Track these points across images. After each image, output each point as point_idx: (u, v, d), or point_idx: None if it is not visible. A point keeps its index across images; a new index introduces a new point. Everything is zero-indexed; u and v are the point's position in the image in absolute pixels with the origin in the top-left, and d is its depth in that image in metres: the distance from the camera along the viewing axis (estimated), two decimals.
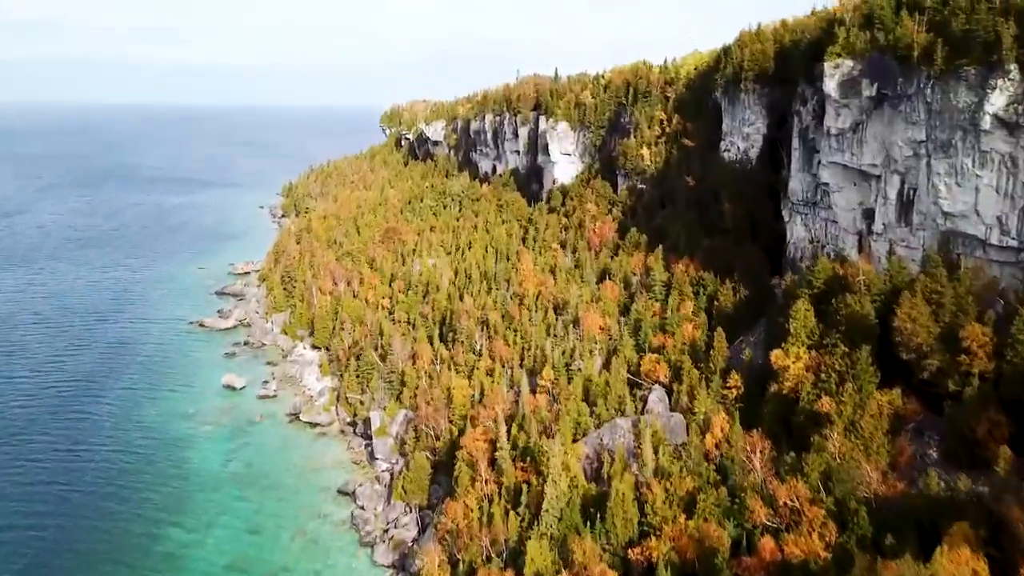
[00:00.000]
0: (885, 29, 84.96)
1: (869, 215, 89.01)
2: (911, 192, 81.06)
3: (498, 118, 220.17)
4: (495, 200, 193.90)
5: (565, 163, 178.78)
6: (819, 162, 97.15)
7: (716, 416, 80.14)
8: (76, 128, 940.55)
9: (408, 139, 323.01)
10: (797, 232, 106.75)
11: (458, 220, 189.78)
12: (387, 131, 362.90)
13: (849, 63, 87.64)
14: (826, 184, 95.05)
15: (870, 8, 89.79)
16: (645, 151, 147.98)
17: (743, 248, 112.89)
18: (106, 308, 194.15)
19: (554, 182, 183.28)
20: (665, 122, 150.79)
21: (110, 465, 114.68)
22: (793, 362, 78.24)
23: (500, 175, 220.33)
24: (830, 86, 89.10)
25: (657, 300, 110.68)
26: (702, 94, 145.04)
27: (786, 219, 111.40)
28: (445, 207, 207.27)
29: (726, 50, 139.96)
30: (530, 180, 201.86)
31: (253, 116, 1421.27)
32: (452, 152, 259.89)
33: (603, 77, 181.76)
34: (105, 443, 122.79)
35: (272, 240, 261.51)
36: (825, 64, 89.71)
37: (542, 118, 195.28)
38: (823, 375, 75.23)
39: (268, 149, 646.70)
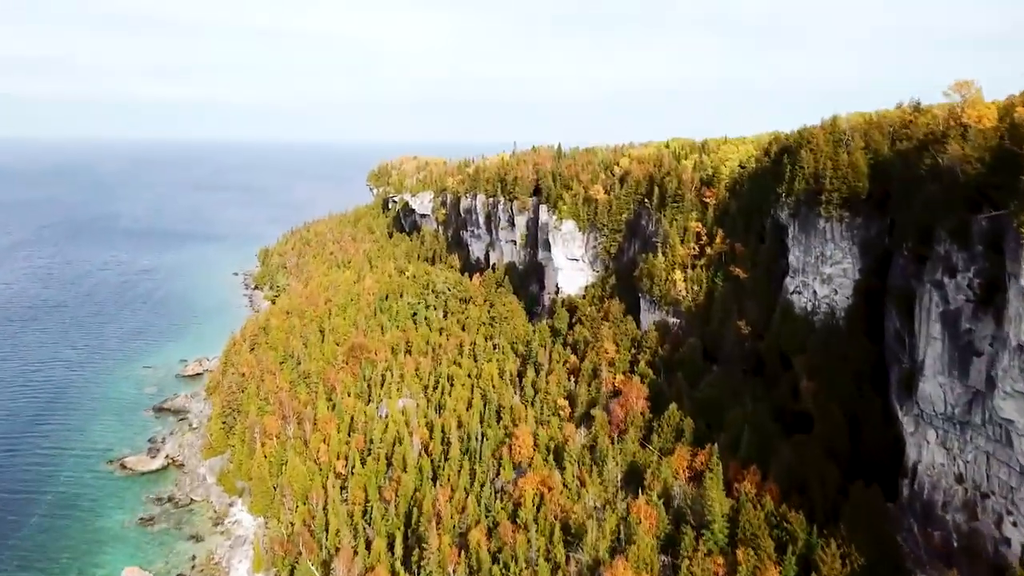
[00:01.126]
0: None
1: None
2: None
3: (491, 200, 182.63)
4: (486, 306, 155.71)
5: (571, 270, 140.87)
6: (988, 378, 59.24)
7: None
8: (70, 169, 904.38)
9: (395, 202, 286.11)
10: (931, 456, 68.45)
11: (441, 332, 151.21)
12: (374, 190, 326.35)
13: None
14: (1008, 420, 57.21)
15: None
16: (678, 275, 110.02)
17: (843, 468, 74.47)
18: (20, 431, 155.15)
19: (558, 290, 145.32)
20: (703, 237, 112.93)
21: None
22: None
23: (493, 265, 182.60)
24: None
25: (717, 545, 72.01)
26: (752, 203, 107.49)
27: (907, 428, 72.91)
28: (428, 307, 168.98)
29: (788, 150, 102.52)
30: (528, 279, 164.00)
31: (253, 155, 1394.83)
32: (441, 228, 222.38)
33: (618, 165, 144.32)
34: None
35: (237, 322, 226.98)
36: None
37: (543, 207, 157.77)
38: None
39: (260, 196, 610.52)
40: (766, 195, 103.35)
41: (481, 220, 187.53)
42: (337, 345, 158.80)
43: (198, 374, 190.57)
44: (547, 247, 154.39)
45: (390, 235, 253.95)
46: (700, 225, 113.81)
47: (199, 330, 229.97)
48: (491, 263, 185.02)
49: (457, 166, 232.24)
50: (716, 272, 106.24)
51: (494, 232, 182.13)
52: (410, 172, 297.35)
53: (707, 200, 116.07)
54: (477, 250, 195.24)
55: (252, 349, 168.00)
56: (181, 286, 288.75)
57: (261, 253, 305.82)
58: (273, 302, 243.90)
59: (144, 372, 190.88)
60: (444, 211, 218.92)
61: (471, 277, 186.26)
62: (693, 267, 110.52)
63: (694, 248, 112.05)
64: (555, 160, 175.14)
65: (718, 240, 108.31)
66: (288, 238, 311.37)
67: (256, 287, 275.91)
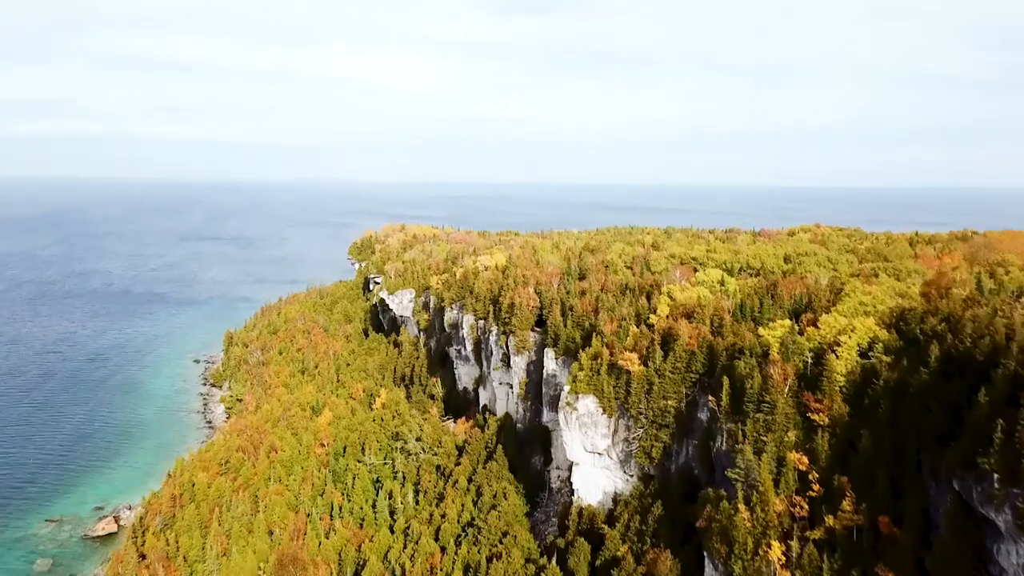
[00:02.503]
0: None
1: None
2: None
3: (482, 323, 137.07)
4: (472, 492, 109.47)
5: (592, 467, 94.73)
6: None
7: None
8: (61, 214, 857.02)
9: (376, 283, 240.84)
10: None
11: (406, 539, 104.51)
12: (356, 265, 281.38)
13: None
14: None
15: None
16: (775, 550, 64.19)
17: None
18: None
19: (572, 489, 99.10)
20: (814, 483, 67.27)
21: None
22: None
23: (484, 408, 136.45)
24: None
25: None
26: (905, 440, 62.21)
27: None
28: (395, 475, 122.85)
29: (972, 368, 57.49)
30: (530, 445, 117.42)
31: (253, 196, 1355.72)
32: (422, 336, 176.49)
33: (655, 313, 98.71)
34: None
35: (182, 440, 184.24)
36: None
37: (549, 352, 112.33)
38: None
39: (251, 248, 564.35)
40: (932, 437, 58.01)
41: (468, 346, 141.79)
42: (270, 534, 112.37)
43: (111, 534, 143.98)
44: (553, 406, 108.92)
45: (366, 333, 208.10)
46: (805, 459, 68.09)
47: (134, 452, 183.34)
48: (481, 403, 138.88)
49: (445, 258, 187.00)
50: (848, 566, 60.14)
51: (485, 365, 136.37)
52: (394, 249, 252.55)
53: (813, 415, 70.39)
54: (465, 377, 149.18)
55: (165, 527, 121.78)
56: (133, 377, 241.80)
57: (226, 338, 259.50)
58: (228, 414, 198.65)
59: (43, 532, 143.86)
60: (427, 316, 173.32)
61: (456, 417, 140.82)
62: (802, 538, 64.62)
63: (801, 504, 66.15)
64: (564, 277, 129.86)
65: (846, 505, 62.25)
66: (257, 320, 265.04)
67: (213, 384, 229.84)
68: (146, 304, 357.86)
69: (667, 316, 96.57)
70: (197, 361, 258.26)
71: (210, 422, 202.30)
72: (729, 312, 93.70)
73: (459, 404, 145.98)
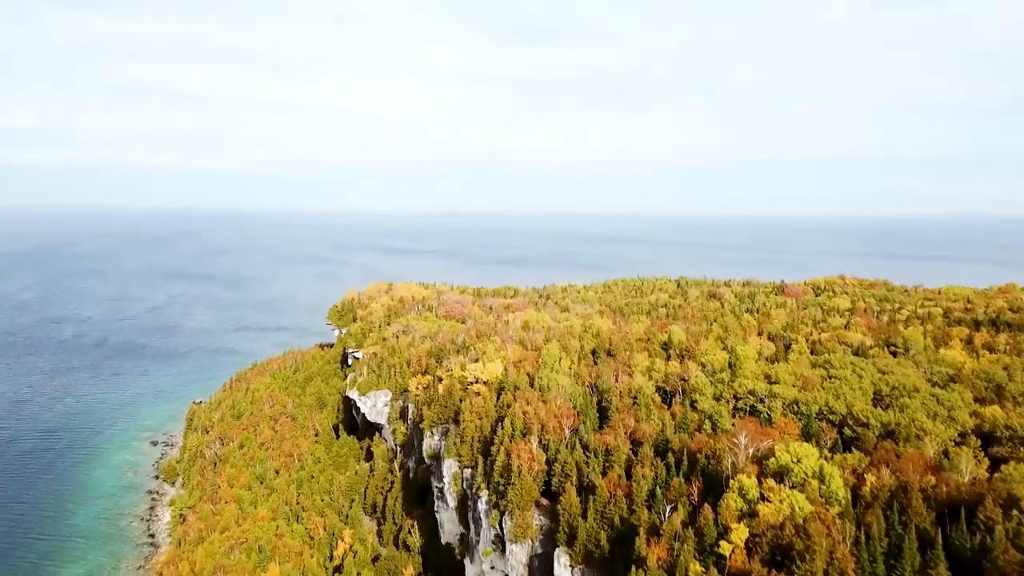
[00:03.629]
0: None
1: None
2: None
3: (468, 473, 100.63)
4: None
5: None
6: None
7: None
8: (51, 247, 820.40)
9: (356, 359, 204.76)
10: None
11: None
12: (336, 331, 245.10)
13: None
14: None
15: None
16: None
17: None
18: None
19: None
20: None
21: None
22: None
23: None
24: None
25: None
26: None
27: None
28: None
29: None
30: None
31: (249, 228, 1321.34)
32: (399, 453, 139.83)
33: (729, 538, 62.61)
34: None
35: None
36: None
37: (562, 556, 76.15)
38: None
39: (241, 289, 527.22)
40: None
41: (451, 501, 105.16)
42: None
43: None
44: None
45: (336, 431, 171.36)
46: None
47: None
48: None
49: (428, 351, 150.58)
50: None
51: (472, 530, 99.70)
52: (378, 317, 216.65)
53: None
54: (448, 526, 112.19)
55: None
56: (79, 466, 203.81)
57: (190, 413, 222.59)
58: (170, 531, 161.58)
59: None
60: (404, 430, 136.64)
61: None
62: None
63: None
64: (578, 419, 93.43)
65: None
66: (224, 396, 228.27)
67: (165, 479, 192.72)
68: (117, 359, 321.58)
69: (745, 544, 60.36)
70: (155, 443, 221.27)
71: (152, 536, 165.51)
72: (846, 543, 57.64)
73: (440, 563, 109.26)
